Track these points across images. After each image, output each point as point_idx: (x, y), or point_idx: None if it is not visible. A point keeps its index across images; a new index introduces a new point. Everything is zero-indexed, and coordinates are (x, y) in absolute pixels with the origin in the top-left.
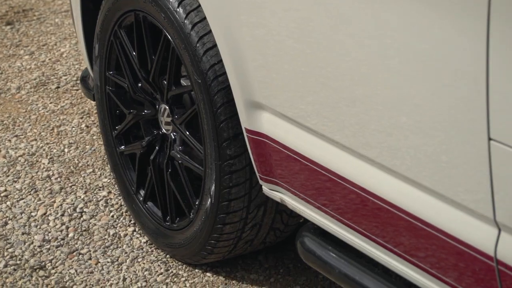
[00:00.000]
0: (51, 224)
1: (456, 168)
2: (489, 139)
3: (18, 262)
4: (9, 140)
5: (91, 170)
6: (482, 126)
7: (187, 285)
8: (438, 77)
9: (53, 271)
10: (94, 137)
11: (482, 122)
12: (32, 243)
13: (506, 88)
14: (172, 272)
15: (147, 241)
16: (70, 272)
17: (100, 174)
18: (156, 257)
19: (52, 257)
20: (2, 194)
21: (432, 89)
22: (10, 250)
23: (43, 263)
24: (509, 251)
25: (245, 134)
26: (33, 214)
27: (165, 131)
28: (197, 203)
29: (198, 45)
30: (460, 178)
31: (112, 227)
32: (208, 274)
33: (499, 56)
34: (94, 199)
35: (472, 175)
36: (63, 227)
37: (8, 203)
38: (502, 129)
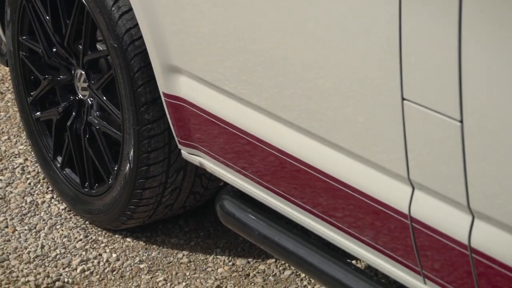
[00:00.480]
0: None
1: (372, 129)
2: (403, 99)
3: None
4: None
5: (6, 137)
6: (395, 86)
7: (107, 250)
8: (354, 39)
9: None
10: (9, 104)
11: (396, 83)
12: None
13: (418, 50)
14: (91, 238)
15: (65, 208)
16: None
17: (16, 141)
18: (75, 223)
19: None
20: None
21: (348, 51)
22: None
23: None
24: (422, 209)
25: (163, 98)
26: None
27: (81, 97)
28: (115, 168)
29: (113, 8)
30: (376, 139)
31: (29, 194)
32: (128, 239)
33: (411, 19)
34: (10, 167)
35: (388, 135)
36: None
37: None
38: (415, 89)
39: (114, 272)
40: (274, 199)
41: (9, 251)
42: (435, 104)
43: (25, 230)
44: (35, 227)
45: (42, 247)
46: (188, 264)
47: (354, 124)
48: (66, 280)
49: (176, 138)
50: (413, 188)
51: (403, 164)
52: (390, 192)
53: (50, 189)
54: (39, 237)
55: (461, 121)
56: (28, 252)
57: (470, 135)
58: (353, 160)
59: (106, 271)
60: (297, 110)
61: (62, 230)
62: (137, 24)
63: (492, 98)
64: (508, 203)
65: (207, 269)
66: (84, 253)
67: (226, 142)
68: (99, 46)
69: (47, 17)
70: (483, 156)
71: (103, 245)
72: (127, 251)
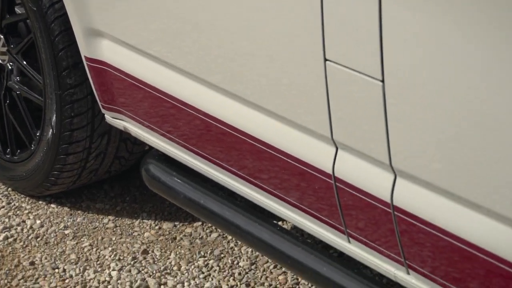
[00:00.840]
0: None
1: (296, 90)
2: (325, 60)
3: None
4: None
5: None
6: (318, 48)
7: (31, 217)
8: (276, 1)
9: None
10: None
11: (318, 44)
12: None
13: (339, 11)
14: (14, 205)
15: None
16: None
17: None
18: None
19: None
20: None
21: (270, 13)
22: None
23: None
24: (346, 168)
25: (85, 62)
26: None
27: (1, 62)
28: (38, 134)
29: None
30: (299, 100)
31: None
32: (52, 205)
33: None
34: None
35: (311, 96)
36: None
37: None
38: (337, 50)
39: (39, 239)
40: (199, 162)
41: None
42: (356, 64)
43: None
44: None
45: None
46: (114, 229)
47: (278, 86)
48: None
49: (99, 103)
50: (337, 148)
51: (327, 125)
52: (314, 153)
53: None
54: None
55: (382, 81)
56: None
57: (391, 94)
58: (278, 122)
59: (30, 237)
60: (222, 73)
61: None
62: None
63: (412, 57)
64: (429, 161)
65: (133, 234)
66: (7, 220)
67: (150, 106)
68: (18, 10)
69: None
70: (404, 115)
71: (26, 211)
72: (52, 217)
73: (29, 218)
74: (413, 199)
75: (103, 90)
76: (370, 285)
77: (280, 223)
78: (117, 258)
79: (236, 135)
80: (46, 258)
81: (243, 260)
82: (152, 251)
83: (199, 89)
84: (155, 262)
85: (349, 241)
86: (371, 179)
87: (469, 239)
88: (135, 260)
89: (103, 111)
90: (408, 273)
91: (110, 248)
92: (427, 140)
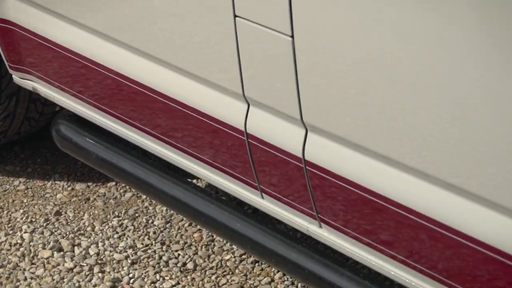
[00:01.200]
0: None
1: (207, 48)
2: (235, 16)
3: None
4: None
5: None
6: (228, 4)
7: None
8: None
9: None
10: None
11: (228, 0)
12: None
13: None
14: None
15: None
16: None
17: None
18: None
19: None
20: None
21: None
22: None
23: None
24: (258, 124)
25: None
26: None
27: None
28: None
29: None
30: (211, 58)
31: None
32: None
33: None
34: None
35: (222, 53)
36: None
37: None
38: (246, 6)
39: None
40: (112, 122)
41: None
42: (266, 20)
43: None
44: None
45: None
46: (26, 191)
47: (190, 44)
48: None
49: (6, 63)
50: (249, 105)
51: (238, 82)
52: (227, 110)
53: None
54: None
55: (292, 36)
56: None
57: (301, 50)
58: (190, 80)
59: None
60: (132, 31)
61: None
62: None
63: (322, 12)
64: (339, 116)
65: (46, 195)
66: None
67: (60, 66)
68: None
69: None
70: (315, 70)
71: None
72: None
73: None
74: (325, 153)
75: (10, 50)
76: (283, 240)
77: (194, 181)
78: (29, 220)
79: (148, 94)
80: None
81: (158, 219)
82: (65, 212)
83: (109, 48)
84: (68, 223)
85: (262, 197)
86: (283, 134)
87: (380, 191)
88: (48, 222)
89: (10, 71)
90: (321, 227)
91: (21, 211)
92: (338, 95)
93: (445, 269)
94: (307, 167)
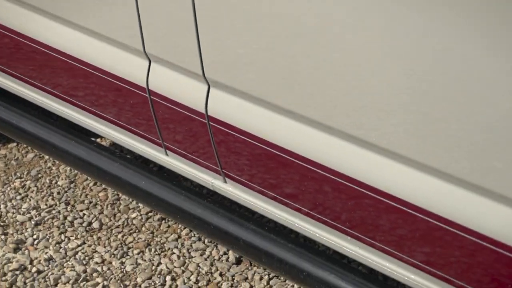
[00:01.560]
0: None
1: (108, 5)
2: None
3: None
4: None
5: None
6: None
7: None
8: None
9: None
10: None
11: None
12: None
13: None
14: None
15: None
16: None
17: None
18: None
19: None
20: None
21: None
22: None
23: None
24: (160, 81)
25: None
26: None
27: None
28: None
29: None
30: (112, 15)
31: None
32: None
33: None
34: None
35: (123, 11)
36: None
37: None
38: None
39: None
40: (12, 82)
41: None
42: None
43: None
44: None
45: None
46: None
47: (91, 1)
48: None
49: None
50: (150, 61)
51: (139, 38)
52: (129, 67)
53: None
54: None
55: None
56: None
57: (202, 6)
58: (91, 38)
59: None
60: None
61: None
62: None
63: None
64: (242, 71)
65: None
66: None
67: None
68: None
69: None
70: (216, 25)
71: None
72: None
73: None
74: (227, 108)
75: None
76: (189, 196)
77: (98, 140)
78: None
79: (48, 53)
80: None
81: (62, 179)
82: None
83: (8, 6)
84: None
85: (166, 154)
86: (185, 90)
87: (283, 145)
88: None
89: None
90: (226, 182)
91: None
92: (239, 50)
93: (348, 219)
94: (210, 123)
